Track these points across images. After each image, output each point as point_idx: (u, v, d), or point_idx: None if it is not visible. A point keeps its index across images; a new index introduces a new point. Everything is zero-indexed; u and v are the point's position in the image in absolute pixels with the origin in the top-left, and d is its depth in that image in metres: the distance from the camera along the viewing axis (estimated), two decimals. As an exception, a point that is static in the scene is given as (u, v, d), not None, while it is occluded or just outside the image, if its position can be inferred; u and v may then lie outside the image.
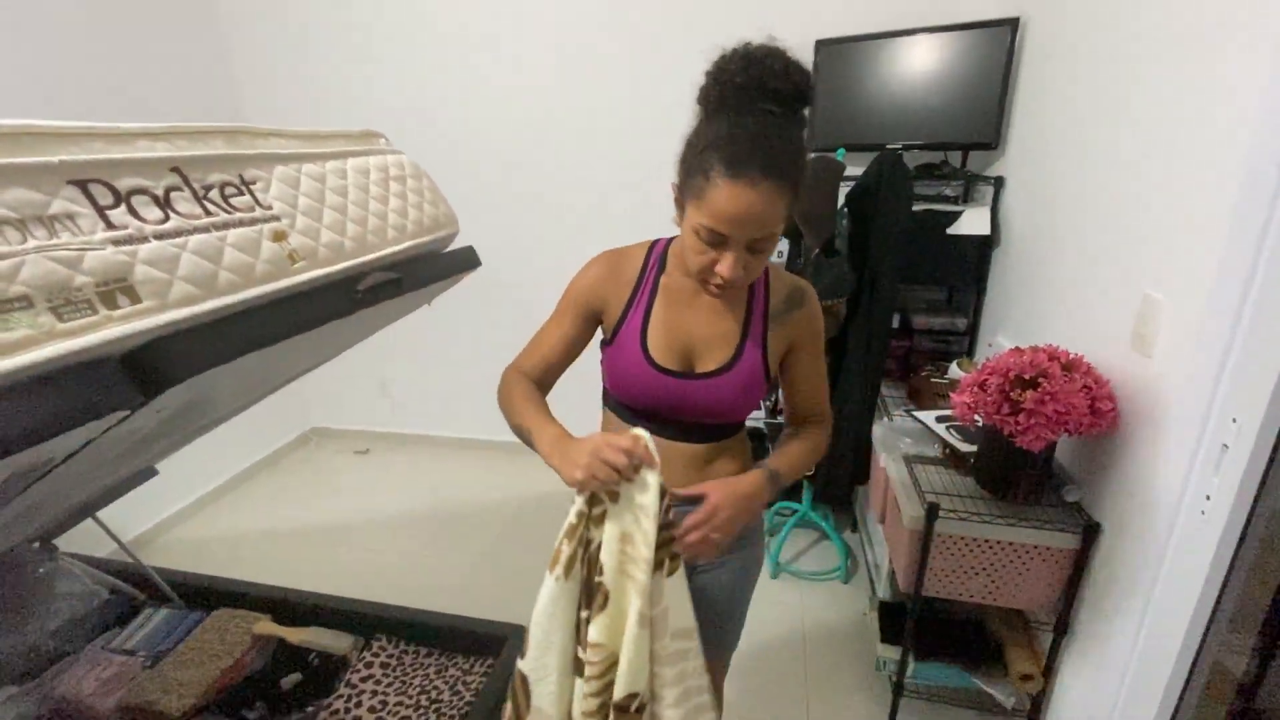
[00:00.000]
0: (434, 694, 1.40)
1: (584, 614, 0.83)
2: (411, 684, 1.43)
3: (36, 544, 1.74)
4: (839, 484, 1.97)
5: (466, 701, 1.37)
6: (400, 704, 1.38)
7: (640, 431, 0.81)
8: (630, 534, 0.80)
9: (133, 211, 0.60)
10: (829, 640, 1.92)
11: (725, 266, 0.79)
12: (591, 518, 0.83)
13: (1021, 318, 1.79)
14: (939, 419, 1.65)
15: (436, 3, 2.55)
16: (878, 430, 1.80)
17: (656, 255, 0.96)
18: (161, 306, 0.59)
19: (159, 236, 0.61)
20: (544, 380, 0.98)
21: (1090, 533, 1.31)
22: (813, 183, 0.91)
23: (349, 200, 0.86)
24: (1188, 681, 1.13)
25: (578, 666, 0.84)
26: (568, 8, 2.45)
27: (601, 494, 0.81)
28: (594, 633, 0.81)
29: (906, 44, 2.04)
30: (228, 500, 2.79)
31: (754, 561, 1.07)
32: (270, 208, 0.74)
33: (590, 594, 0.82)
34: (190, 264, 0.62)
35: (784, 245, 2.09)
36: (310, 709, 1.41)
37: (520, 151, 2.67)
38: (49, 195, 0.54)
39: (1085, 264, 1.46)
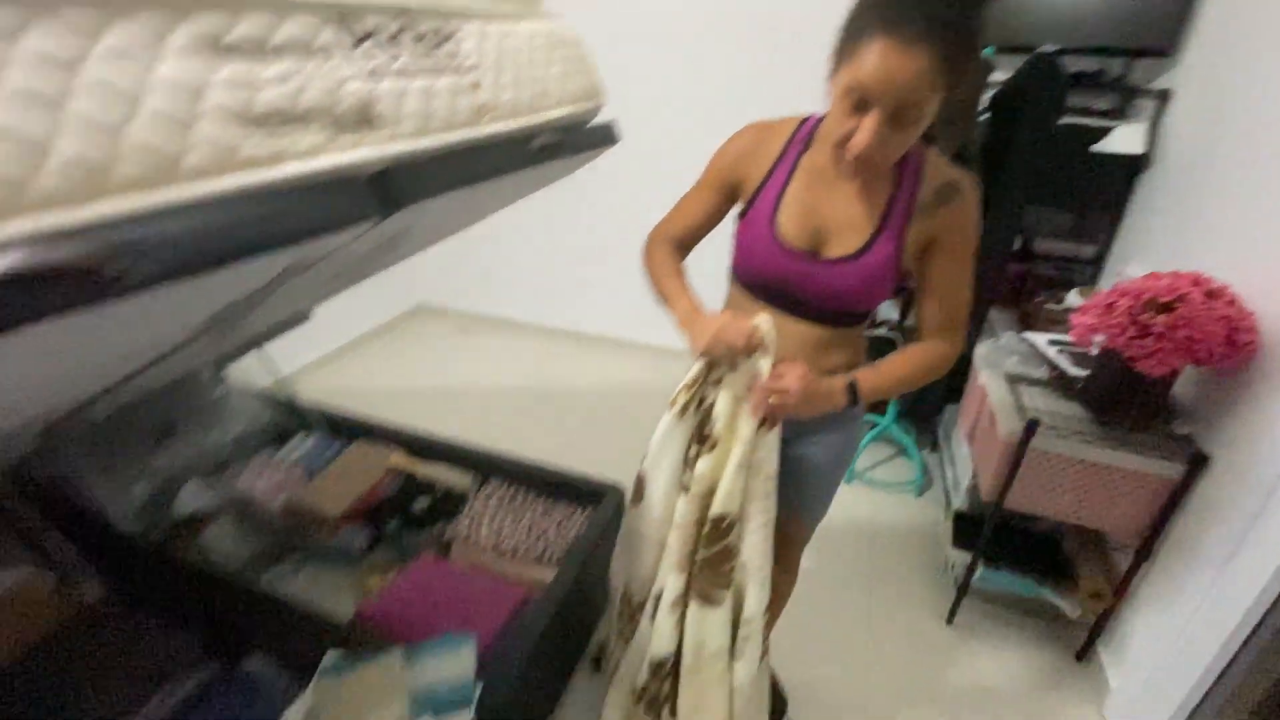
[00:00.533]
0: (542, 529, 1.60)
1: (693, 450, 1.00)
2: (522, 519, 1.64)
3: (212, 371, 2.04)
4: (929, 401, 1.99)
5: (570, 539, 1.56)
6: (514, 533, 1.59)
7: (762, 319, 0.89)
8: (741, 399, 0.94)
9: (373, 50, 0.68)
10: (897, 542, 2.02)
11: (861, 133, 0.75)
12: (709, 380, 0.98)
13: (1162, 246, 1.68)
14: (1050, 342, 1.62)
15: None
16: (980, 349, 1.78)
17: (805, 132, 0.94)
18: (394, 137, 0.68)
19: (393, 75, 0.69)
20: (684, 244, 1.04)
21: (1196, 464, 1.30)
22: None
23: (526, 61, 0.92)
24: (1261, 621, 1.15)
25: (682, 487, 1.01)
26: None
27: (720, 364, 0.95)
28: (700, 466, 0.98)
29: (1084, -72, 1.81)
30: (341, 363, 3.09)
31: (848, 447, 1.13)
32: (469, 60, 0.81)
33: (701, 437, 0.99)
34: (414, 103, 0.71)
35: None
36: (437, 528, 1.65)
37: (658, 35, 2.58)
38: (317, 31, 0.63)
39: (1252, 192, 1.35)
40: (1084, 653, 1.61)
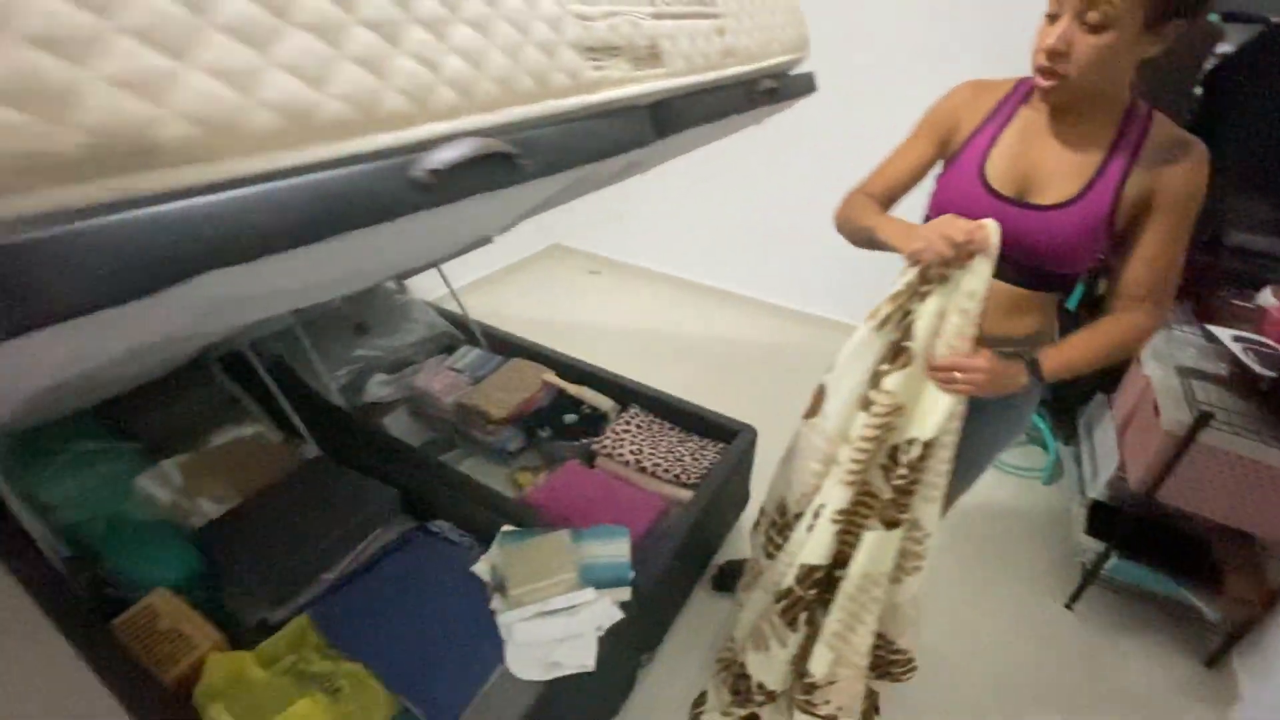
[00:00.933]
0: (679, 455, 1.74)
1: (884, 367, 0.95)
2: (660, 444, 1.79)
3: (396, 282, 2.32)
4: (1079, 386, 1.93)
5: (705, 466, 1.70)
6: (653, 454, 1.74)
7: (990, 220, 0.85)
8: (948, 313, 0.90)
9: (658, -6, 0.79)
10: (1021, 525, 2.01)
11: (1054, 34, 0.77)
12: (917, 293, 0.91)
13: (1390, 248, 1.53)
14: (1235, 338, 1.53)
15: None
16: (1156, 342, 1.71)
17: (1025, 88, 0.95)
18: (671, 73, 0.79)
19: (671, 16, 0.80)
20: (886, 199, 1.03)
21: (1394, 479, 1.22)
22: (1173, 45, 0.80)
23: (757, 8, 1.00)
24: None
25: (863, 403, 0.98)
26: None
27: (932, 275, 0.89)
28: (889, 383, 0.94)
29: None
30: (485, 291, 3.35)
31: (1016, 425, 1.11)
32: (717, 5, 0.90)
33: (895, 353, 0.94)
34: (683, 43, 0.81)
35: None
36: (584, 441, 1.84)
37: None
38: (626, -27, 0.74)
39: None
40: (1216, 659, 1.57)
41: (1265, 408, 1.38)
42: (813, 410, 1.10)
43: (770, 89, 1.04)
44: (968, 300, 0.88)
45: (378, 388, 2.05)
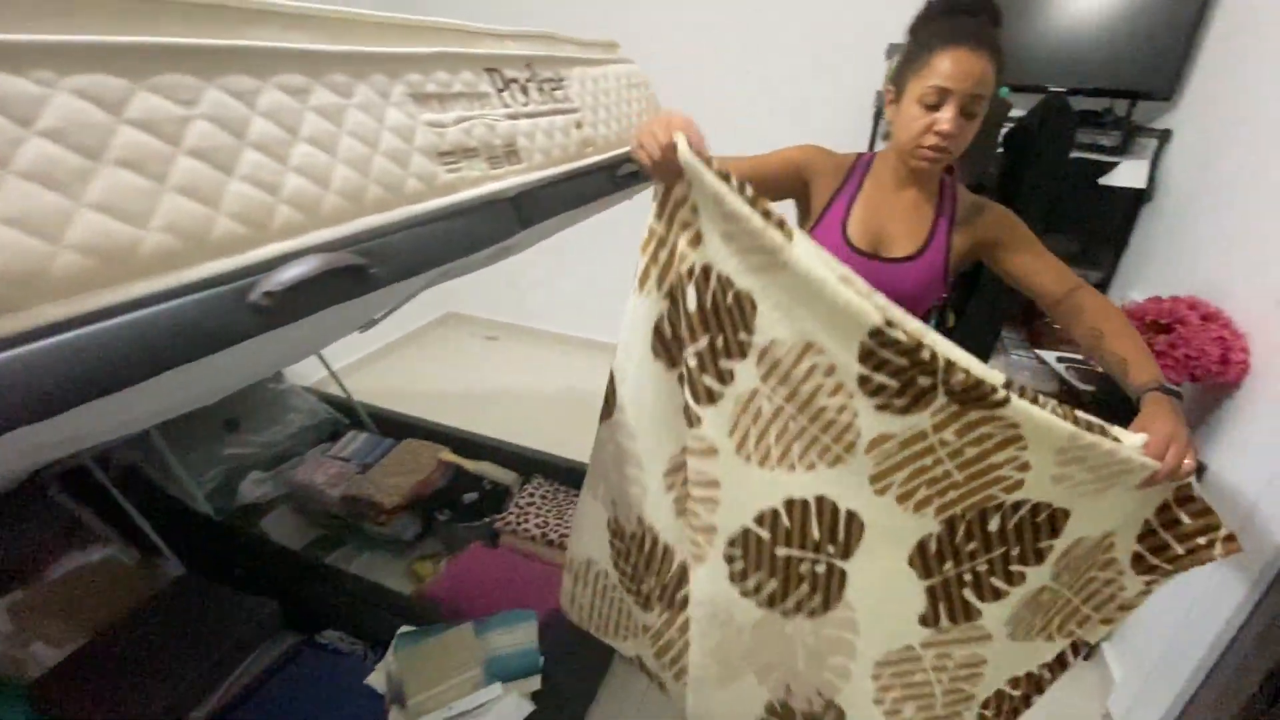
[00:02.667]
0: (586, 523, 1.72)
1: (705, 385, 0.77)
2: (567, 513, 1.76)
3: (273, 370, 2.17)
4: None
5: (613, 531, 1.68)
6: (558, 526, 1.71)
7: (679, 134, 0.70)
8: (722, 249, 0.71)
9: (512, 95, 0.83)
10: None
11: (947, 120, 0.90)
12: (668, 239, 0.76)
13: (1162, 273, 1.83)
14: (1059, 359, 1.76)
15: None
16: (994, 365, 1.92)
17: (866, 160, 1.09)
18: (530, 168, 0.82)
19: (526, 116, 0.83)
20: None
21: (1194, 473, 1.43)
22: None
23: (612, 101, 1.07)
24: (1248, 619, 1.27)
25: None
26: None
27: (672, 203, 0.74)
28: (708, 423, 0.77)
29: (1090, -18, 1.98)
30: (378, 366, 3.22)
31: None
32: (573, 102, 0.96)
33: (715, 353, 0.77)
34: (540, 139, 0.85)
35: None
36: (487, 519, 1.77)
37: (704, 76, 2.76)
38: (478, 78, 0.77)
39: (1243, 224, 1.49)
40: (1091, 652, 1.72)
41: (1090, 419, 1.58)
42: (608, 409, 0.91)
43: (632, 172, 1.10)
44: (725, 220, 0.69)
45: (253, 487, 1.89)
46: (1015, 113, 1.95)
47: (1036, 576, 0.84)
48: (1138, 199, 2.00)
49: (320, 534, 1.92)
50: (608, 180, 1.03)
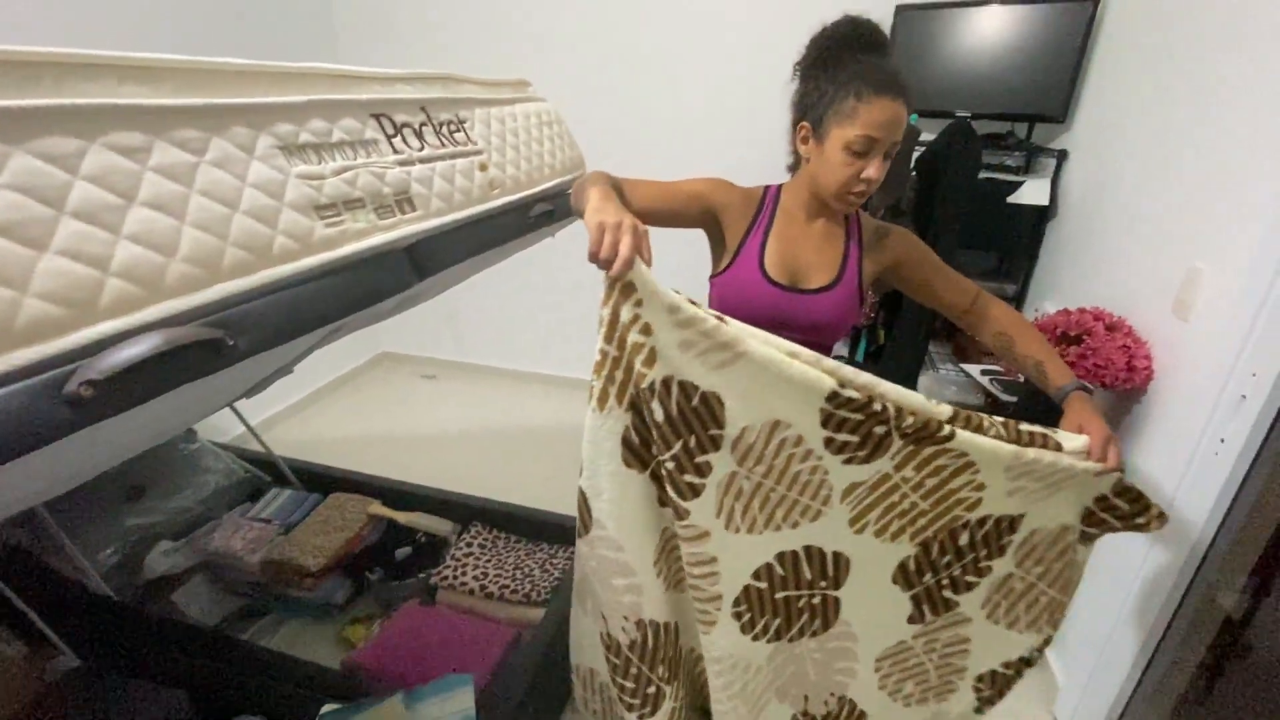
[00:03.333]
0: (527, 570, 1.65)
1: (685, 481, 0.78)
2: (507, 561, 1.68)
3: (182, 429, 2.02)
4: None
5: (556, 576, 1.62)
6: (499, 576, 1.63)
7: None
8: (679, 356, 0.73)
9: (405, 140, 0.79)
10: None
11: (874, 168, 0.94)
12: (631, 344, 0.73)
13: (1070, 285, 1.92)
14: (983, 372, 1.81)
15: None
16: (924, 380, 1.97)
17: (773, 193, 1.10)
18: (426, 215, 0.78)
19: (421, 161, 0.80)
20: (641, 207, 0.96)
21: (1113, 475, 1.48)
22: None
23: (521, 141, 1.04)
24: (1174, 616, 1.32)
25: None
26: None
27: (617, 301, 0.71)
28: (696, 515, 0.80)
29: (984, 14, 2.10)
30: (307, 413, 3.07)
31: None
32: (476, 144, 0.93)
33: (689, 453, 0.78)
34: (438, 184, 0.81)
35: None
36: (423, 575, 1.68)
37: (621, 109, 2.78)
38: (363, 125, 0.73)
39: (1137, 237, 1.58)
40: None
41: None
42: (584, 526, 0.88)
43: (546, 211, 1.07)
44: (684, 328, 0.71)
45: (161, 559, 1.73)
46: (925, 137, 2.03)
47: (1002, 565, 0.98)
48: (1042, 215, 2.10)
49: (242, 604, 1.77)
50: (519, 221, 0.99)
